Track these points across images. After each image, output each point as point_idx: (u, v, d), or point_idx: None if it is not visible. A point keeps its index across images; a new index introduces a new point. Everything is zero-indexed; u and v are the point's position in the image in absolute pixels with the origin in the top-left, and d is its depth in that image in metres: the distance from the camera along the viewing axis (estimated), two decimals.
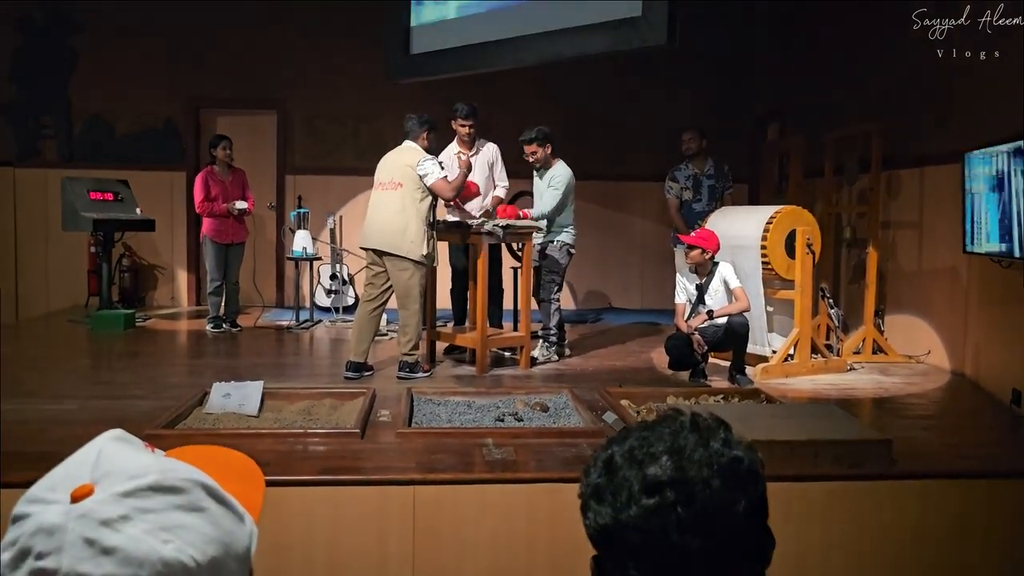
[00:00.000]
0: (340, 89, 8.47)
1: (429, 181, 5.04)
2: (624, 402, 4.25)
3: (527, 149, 5.79)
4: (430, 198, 5.11)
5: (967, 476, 3.36)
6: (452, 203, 5.71)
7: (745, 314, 4.93)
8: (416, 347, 5.11)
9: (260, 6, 8.34)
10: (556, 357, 5.83)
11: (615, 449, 0.95)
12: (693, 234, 5.15)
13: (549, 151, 5.82)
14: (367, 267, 5.23)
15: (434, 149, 5.32)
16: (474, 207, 5.84)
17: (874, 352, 5.84)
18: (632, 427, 0.98)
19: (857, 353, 5.84)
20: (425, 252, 5.05)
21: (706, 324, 4.90)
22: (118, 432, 0.82)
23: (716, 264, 5.00)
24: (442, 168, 5.17)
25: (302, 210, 7.65)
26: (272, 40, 8.41)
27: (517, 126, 6.02)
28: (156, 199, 8.02)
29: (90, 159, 8.12)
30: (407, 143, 5.24)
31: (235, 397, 4.06)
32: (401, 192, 5.05)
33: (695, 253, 4.96)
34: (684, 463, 0.90)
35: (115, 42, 8.28)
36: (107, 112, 8.34)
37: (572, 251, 5.92)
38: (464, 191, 5.60)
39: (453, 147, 5.99)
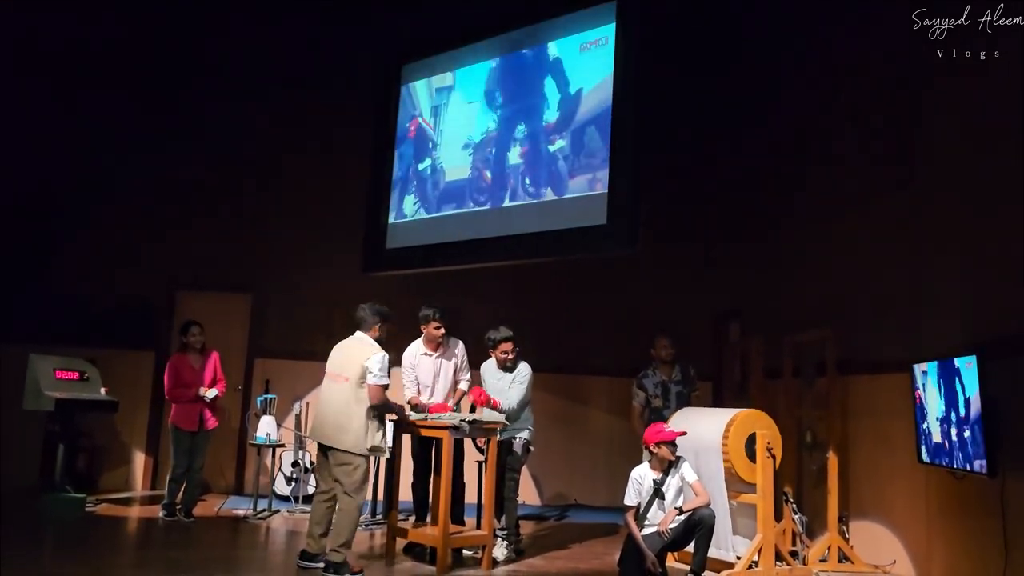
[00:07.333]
0: (315, 275, 8.68)
1: (369, 381, 5.02)
2: None
3: (505, 347, 5.87)
4: None
5: None
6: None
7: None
8: (346, 545, 4.96)
9: (240, 194, 8.72)
10: (515, 556, 5.71)
11: None
12: (666, 430, 5.05)
13: (519, 351, 5.95)
14: (318, 456, 5.25)
15: (384, 341, 5.30)
16: (438, 397, 5.94)
17: (840, 560, 5.76)
18: None
19: (823, 561, 5.76)
20: (370, 446, 5.01)
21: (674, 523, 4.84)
22: None
23: (677, 459, 5.01)
24: (388, 375, 5.09)
25: (269, 396, 7.63)
26: (251, 226, 8.73)
27: (487, 318, 6.16)
28: (122, 379, 7.91)
29: (62, 337, 8.08)
30: (359, 334, 5.27)
31: None
32: (347, 386, 5.05)
33: (668, 449, 4.95)
34: None
35: (94, 223, 8.54)
36: (83, 291, 8.42)
37: (531, 448, 5.94)
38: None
39: (419, 347, 6.07)
